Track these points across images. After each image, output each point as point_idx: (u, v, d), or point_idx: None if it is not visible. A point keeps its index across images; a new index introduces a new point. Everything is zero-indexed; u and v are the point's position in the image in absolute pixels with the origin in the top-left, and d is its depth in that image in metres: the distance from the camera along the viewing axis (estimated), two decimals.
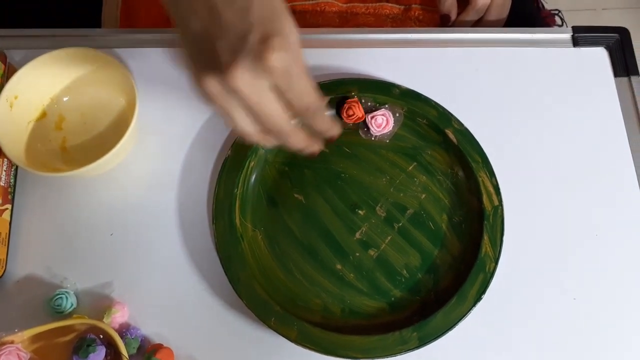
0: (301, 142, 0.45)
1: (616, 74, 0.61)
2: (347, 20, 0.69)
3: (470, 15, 0.67)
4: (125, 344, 0.49)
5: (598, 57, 0.62)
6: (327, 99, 0.48)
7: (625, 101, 0.60)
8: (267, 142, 0.44)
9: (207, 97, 0.41)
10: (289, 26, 0.40)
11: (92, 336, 0.47)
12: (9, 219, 0.54)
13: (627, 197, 0.56)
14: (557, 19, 0.78)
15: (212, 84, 0.39)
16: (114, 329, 0.48)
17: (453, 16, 0.67)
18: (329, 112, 0.57)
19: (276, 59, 0.38)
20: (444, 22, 0.67)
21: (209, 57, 0.39)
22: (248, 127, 0.42)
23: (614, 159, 0.58)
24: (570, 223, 0.55)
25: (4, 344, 0.45)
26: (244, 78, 0.38)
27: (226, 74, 0.38)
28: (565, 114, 0.59)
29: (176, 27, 0.42)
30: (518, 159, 0.57)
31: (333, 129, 0.46)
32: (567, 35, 0.63)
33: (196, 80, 0.41)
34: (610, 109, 0.60)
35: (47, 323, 0.48)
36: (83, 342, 0.47)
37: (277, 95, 0.41)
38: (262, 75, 0.39)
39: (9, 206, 0.54)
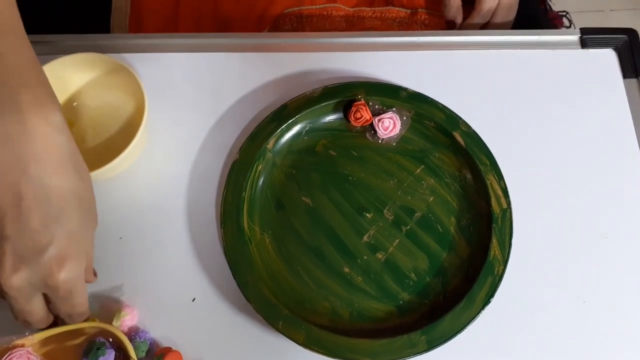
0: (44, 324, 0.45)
1: (625, 75, 0.61)
2: (353, 24, 0.69)
3: (476, 19, 0.67)
4: (135, 348, 0.49)
5: (606, 58, 0.62)
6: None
7: (634, 103, 0.60)
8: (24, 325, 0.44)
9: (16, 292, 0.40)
10: (86, 244, 0.42)
11: (102, 339, 0.47)
12: None
13: (637, 199, 0.56)
14: (564, 20, 0.78)
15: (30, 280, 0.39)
16: (123, 332, 0.49)
17: (459, 21, 0.67)
18: (337, 115, 0.57)
19: (63, 280, 0.39)
20: (449, 27, 0.67)
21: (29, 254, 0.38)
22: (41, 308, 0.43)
23: (623, 160, 0.57)
24: (580, 225, 0.55)
25: (14, 347, 0.45)
26: (17, 288, 0.38)
27: (2, 278, 0.38)
28: (573, 116, 0.59)
29: None
30: (526, 162, 0.57)
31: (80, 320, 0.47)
32: (575, 37, 0.63)
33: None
34: (619, 111, 0.59)
35: (57, 326, 0.48)
36: (92, 346, 0.47)
37: (47, 299, 0.42)
38: (40, 288, 0.40)
39: None
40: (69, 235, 0.39)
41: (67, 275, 0.39)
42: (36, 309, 0.42)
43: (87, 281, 0.46)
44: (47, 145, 0.39)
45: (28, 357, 0.46)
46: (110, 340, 0.48)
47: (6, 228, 0.37)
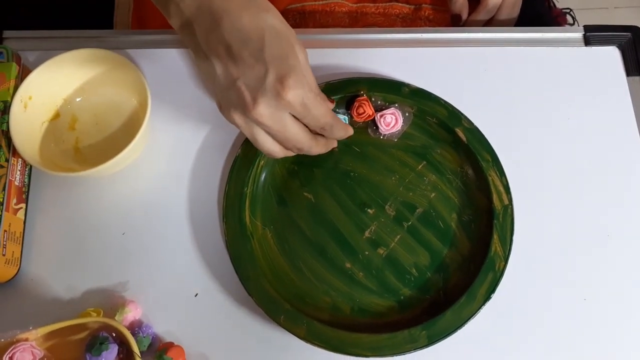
0: (321, 149, 0.51)
1: (628, 73, 0.61)
2: (357, 20, 0.69)
3: (482, 15, 0.66)
4: (137, 342, 0.49)
5: (610, 56, 0.62)
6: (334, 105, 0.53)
7: (638, 100, 0.59)
8: (291, 154, 0.51)
9: (233, 124, 0.47)
10: (301, 58, 0.46)
11: (105, 334, 0.48)
12: (23, 218, 0.55)
13: (639, 197, 0.56)
14: (568, 17, 0.78)
15: (238, 118, 0.46)
16: (125, 326, 0.49)
17: (464, 16, 0.67)
18: (342, 113, 0.57)
19: (292, 95, 0.44)
20: (454, 22, 0.67)
21: (232, 94, 0.45)
22: (273, 148, 0.48)
23: (626, 158, 0.57)
24: (582, 223, 0.55)
25: (18, 341, 0.46)
26: (264, 114, 0.44)
27: (249, 111, 0.44)
28: (576, 114, 0.59)
29: (198, 66, 0.48)
30: (528, 158, 0.57)
31: (347, 133, 0.53)
32: (578, 35, 0.63)
33: (223, 113, 0.47)
34: (622, 109, 0.59)
35: (60, 320, 0.48)
36: (96, 340, 0.48)
37: (296, 120, 0.47)
38: (281, 109, 0.45)
39: (23, 205, 0.55)
40: (278, 57, 0.44)
41: (293, 90, 0.44)
42: (294, 129, 0.47)
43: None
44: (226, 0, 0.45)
45: (32, 352, 0.47)
46: (114, 335, 0.48)
47: (232, 72, 0.44)
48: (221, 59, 0.45)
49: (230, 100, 0.45)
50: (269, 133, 0.47)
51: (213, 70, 0.45)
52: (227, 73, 0.45)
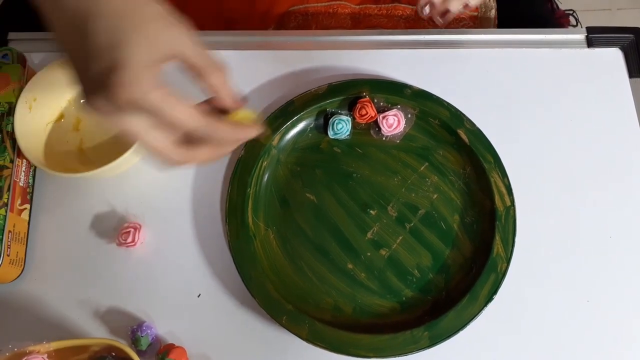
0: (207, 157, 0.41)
1: (631, 74, 0.61)
2: (359, 22, 0.69)
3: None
4: (135, 340, 0.50)
5: (613, 57, 0.62)
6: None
7: None
8: (182, 155, 0.40)
9: (102, 115, 0.37)
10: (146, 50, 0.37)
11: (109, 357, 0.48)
12: (27, 218, 0.55)
13: None
14: (571, 19, 0.78)
15: (102, 104, 0.37)
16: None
17: (427, 9, 0.58)
18: (345, 115, 0.57)
19: (129, 93, 0.35)
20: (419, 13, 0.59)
21: (92, 76, 0.36)
22: (158, 140, 0.39)
23: (628, 160, 0.57)
24: (584, 224, 0.55)
25: (30, 352, 0.46)
26: (140, 91, 0.36)
27: (111, 91, 0.35)
28: (578, 115, 0.59)
29: (58, 43, 0.39)
30: (530, 160, 0.57)
31: (245, 134, 0.42)
32: (581, 36, 0.63)
33: (86, 102, 0.37)
34: (624, 110, 0.59)
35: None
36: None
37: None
38: (121, 108, 0.36)
39: (27, 206, 0.55)
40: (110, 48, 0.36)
41: (127, 87, 0.35)
42: (175, 104, 0.37)
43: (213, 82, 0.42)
44: None
45: None
46: (114, 354, 0.48)
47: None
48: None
49: (89, 83, 0.37)
50: (150, 117, 0.37)
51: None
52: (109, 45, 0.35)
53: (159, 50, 0.38)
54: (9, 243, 0.51)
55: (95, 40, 0.36)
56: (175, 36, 0.39)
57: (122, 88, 0.35)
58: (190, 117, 0.38)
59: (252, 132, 0.43)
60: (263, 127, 0.44)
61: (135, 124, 0.38)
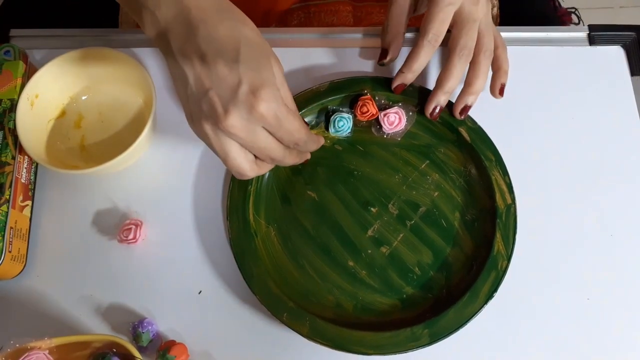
0: (294, 159, 0.50)
1: (633, 72, 0.61)
2: (361, 20, 0.69)
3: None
4: (137, 337, 0.50)
5: (614, 55, 0.62)
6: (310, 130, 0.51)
7: None
8: (262, 170, 0.49)
9: (202, 138, 0.46)
10: (276, 71, 0.45)
11: (110, 353, 0.48)
12: (29, 215, 0.55)
13: None
14: (573, 17, 0.78)
15: (208, 129, 0.44)
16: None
17: (392, 54, 0.57)
18: (346, 112, 0.57)
19: (265, 108, 0.43)
20: (381, 56, 0.58)
21: (204, 104, 0.43)
22: (243, 164, 0.46)
23: (629, 158, 0.57)
24: (585, 222, 0.55)
25: (32, 348, 0.46)
26: (236, 125, 0.43)
27: (220, 122, 0.43)
28: (580, 113, 0.59)
29: (172, 75, 0.46)
30: (532, 158, 0.57)
31: (319, 145, 0.52)
32: (583, 34, 0.63)
33: (192, 124, 0.46)
34: (626, 108, 0.59)
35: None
36: (98, 356, 0.48)
37: (269, 133, 0.46)
38: (253, 121, 0.44)
39: (29, 203, 0.55)
40: (252, 69, 0.43)
41: (266, 103, 0.43)
42: (266, 141, 0.46)
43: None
44: (203, 9, 0.44)
45: None
46: (114, 350, 0.48)
47: (205, 82, 0.43)
48: (195, 68, 0.44)
49: (201, 110, 0.44)
50: (241, 145, 0.45)
51: (186, 80, 0.44)
52: (199, 83, 0.44)
53: (280, 73, 0.46)
54: (10, 239, 0.51)
55: (224, 67, 0.43)
56: (279, 71, 0.47)
57: (266, 103, 0.43)
58: (302, 129, 0.47)
59: (322, 142, 0.53)
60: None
61: (233, 146, 0.45)
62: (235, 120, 0.43)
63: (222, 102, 0.43)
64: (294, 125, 0.46)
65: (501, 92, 0.57)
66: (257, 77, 0.43)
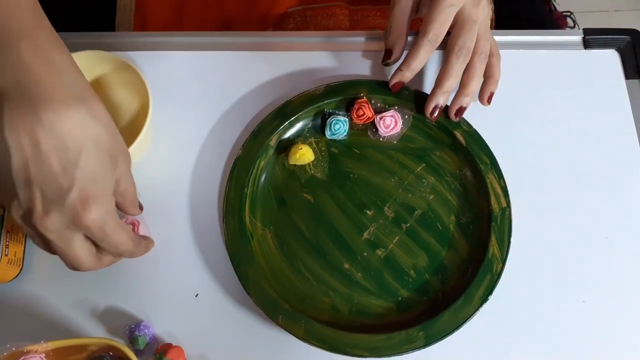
0: (106, 265, 0.47)
1: (627, 76, 0.61)
2: (357, 23, 0.70)
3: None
4: (133, 340, 0.50)
5: (609, 59, 0.62)
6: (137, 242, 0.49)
7: (637, 104, 0.60)
8: (93, 264, 0.45)
9: (8, 210, 0.42)
10: (121, 172, 0.44)
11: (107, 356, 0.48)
12: None
13: (637, 200, 0.56)
14: (569, 20, 0.78)
15: (17, 217, 0.41)
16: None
17: (396, 54, 0.57)
18: (342, 116, 0.57)
19: (91, 221, 0.41)
20: (385, 56, 0.58)
21: (21, 192, 0.40)
22: (83, 253, 0.44)
23: (624, 161, 0.57)
24: (579, 225, 0.55)
25: (28, 352, 0.46)
26: (51, 229, 0.40)
27: (35, 219, 0.40)
28: (575, 117, 0.59)
29: None
30: (527, 161, 0.57)
31: (147, 251, 0.52)
32: (577, 38, 0.63)
33: (9, 211, 0.41)
34: (621, 112, 0.59)
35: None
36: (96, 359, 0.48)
37: (87, 239, 0.43)
38: (73, 229, 0.41)
39: None
40: (90, 178, 0.40)
41: (94, 215, 0.40)
42: (80, 252, 0.43)
43: (132, 214, 0.50)
44: (55, 88, 0.40)
45: None
46: (111, 354, 0.48)
47: (31, 172, 0.39)
48: (23, 151, 0.39)
49: (15, 194, 0.40)
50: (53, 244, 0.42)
51: (7, 157, 0.39)
52: (24, 169, 0.39)
53: (127, 169, 0.45)
54: (7, 243, 0.52)
55: (51, 164, 0.39)
56: (126, 170, 0.45)
57: (94, 215, 0.40)
58: (129, 242, 0.45)
59: (150, 247, 0.52)
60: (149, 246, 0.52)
61: (69, 237, 0.42)
62: (53, 224, 0.40)
63: (44, 201, 0.40)
64: (121, 239, 0.44)
65: (489, 100, 0.57)
66: (92, 188, 0.40)
